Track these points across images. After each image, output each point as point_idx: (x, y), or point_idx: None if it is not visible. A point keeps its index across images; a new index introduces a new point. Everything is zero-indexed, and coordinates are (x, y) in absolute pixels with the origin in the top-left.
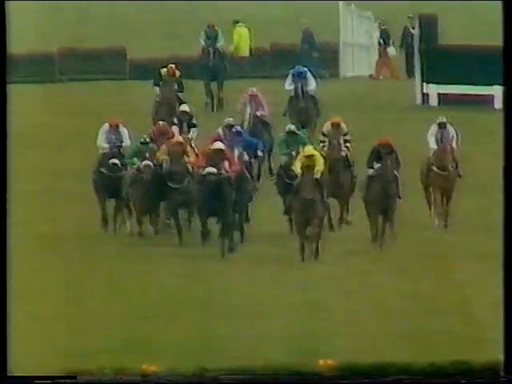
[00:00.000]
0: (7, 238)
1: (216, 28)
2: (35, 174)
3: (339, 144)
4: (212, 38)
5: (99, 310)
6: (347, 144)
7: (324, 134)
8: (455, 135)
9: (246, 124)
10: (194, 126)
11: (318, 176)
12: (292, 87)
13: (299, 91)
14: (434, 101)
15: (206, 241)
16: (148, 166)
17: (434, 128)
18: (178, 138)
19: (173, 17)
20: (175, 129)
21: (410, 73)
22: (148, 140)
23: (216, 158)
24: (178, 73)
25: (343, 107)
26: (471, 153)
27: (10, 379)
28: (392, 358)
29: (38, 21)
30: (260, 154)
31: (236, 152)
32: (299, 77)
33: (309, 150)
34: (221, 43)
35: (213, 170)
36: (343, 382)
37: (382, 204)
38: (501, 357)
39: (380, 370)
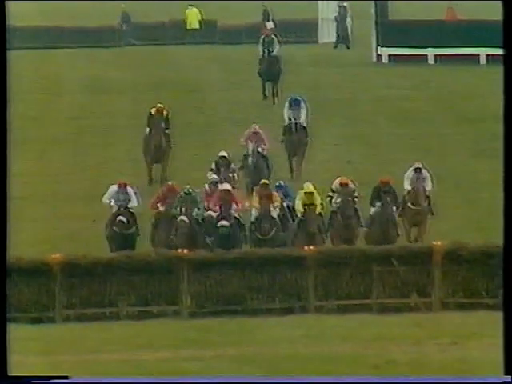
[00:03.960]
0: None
1: (272, 36)
2: (100, 114)
3: (350, 201)
4: (268, 44)
5: None
6: (355, 200)
7: (333, 191)
8: (429, 178)
9: (249, 159)
10: (234, 171)
11: (318, 213)
12: (287, 116)
13: (292, 120)
14: (385, 59)
15: None
16: (183, 221)
17: (409, 172)
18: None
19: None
20: (210, 175)
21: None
22: (191, 191)
23: (225, 197)
24: (165, 112)
25: (320, 63)
26: (413, 96)
27: (10, 379)
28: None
29: (101, 2)
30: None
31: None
32: (295, 105)
33: (309, 187)
34: (276, 49)
35: (226, 223)
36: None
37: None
38: (436, 243)
39: (348, 253)
